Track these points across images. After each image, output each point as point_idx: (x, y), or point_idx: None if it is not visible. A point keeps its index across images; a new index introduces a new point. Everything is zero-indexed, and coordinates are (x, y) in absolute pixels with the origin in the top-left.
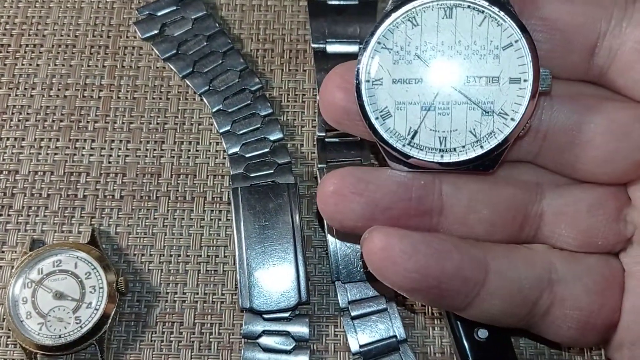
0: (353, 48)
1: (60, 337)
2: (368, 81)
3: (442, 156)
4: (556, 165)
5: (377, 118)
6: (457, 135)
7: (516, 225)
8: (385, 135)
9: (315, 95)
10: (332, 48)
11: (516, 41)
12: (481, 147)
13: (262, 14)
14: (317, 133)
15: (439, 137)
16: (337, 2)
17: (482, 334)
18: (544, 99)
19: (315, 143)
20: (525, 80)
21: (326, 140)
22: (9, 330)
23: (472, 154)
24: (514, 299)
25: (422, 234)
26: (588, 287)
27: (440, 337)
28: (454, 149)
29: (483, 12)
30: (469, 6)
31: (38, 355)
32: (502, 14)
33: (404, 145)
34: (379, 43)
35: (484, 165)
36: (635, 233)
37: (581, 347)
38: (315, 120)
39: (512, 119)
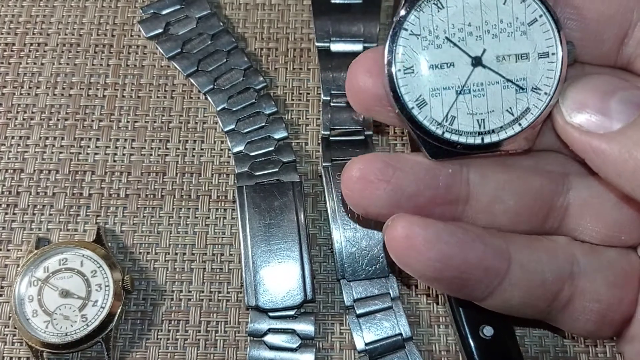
0: (357, 47)
1: (66, 335)
2: (400, 70)
3: (482, 139)
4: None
5: (412, 107)
6: (495, 116)
7: (541, 216)
8: (425, 123)
9: (320, 93)
10: (336, 47)
11: (540, 16)
12: (519, 124)
13: (266, 13)
14: (322, 131)
15: (477, 120)
16: (341, 1)
17: (488, 331)
18: None
19: (319, 141)
20: (553, 54)
21: (330, 138)
22: (15, 328)
23: (511, 133)
24: (536, 291)
25: (445, 223)
26: (609, 280)
27: (445, 335)
28: (493, 130)
29: None
30: None
31: (44, 353)
32: None
33: (443, 133)
34: (405, 29)
35: (521, 144)
36: None
37: (595, 339)
38: (319, 118)
39: (546, 93)
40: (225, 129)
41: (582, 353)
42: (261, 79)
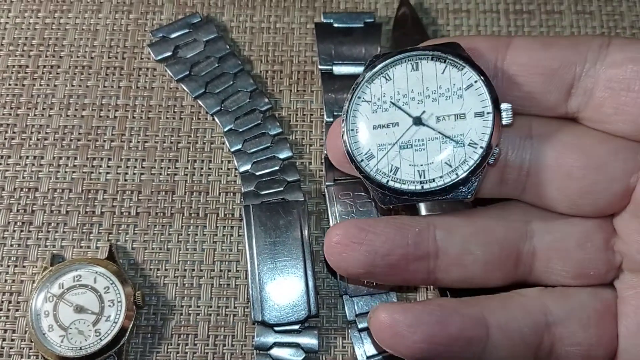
0: (359, 69)
1: (81, 349)
2: (351, 130)
3: (422, 186)
4: (541, 200)
5: (362, 160)
6: (435, 167)
7: (510, 263)
8: (372, 174)
9: (323, 115)
10: (338, 69)
11: (475, 81)
12: (456, 174)
13: (271, 36)
14: (325, 151)
15: (419, 171)
16: (343, 25)
17: None
18: (524, 138)
19: (323, 161)
20: (488, 113)
21: None
22: (31, 342)
23: (448, 180)
24: (518, 348)
25: (423, 303)
26: (583, 322)
27: None
28: (433, 179)
29: (445, 61)
30: (432, 57)
31: None
32: (461, 61)
33: (387, 182)
34: (359, 97)
35: (462, 193)
36: (624, 261)
37: None
38: (322, 139)
39: (481, 147)
40: (232, 149)
41: None
42: (266, 100)
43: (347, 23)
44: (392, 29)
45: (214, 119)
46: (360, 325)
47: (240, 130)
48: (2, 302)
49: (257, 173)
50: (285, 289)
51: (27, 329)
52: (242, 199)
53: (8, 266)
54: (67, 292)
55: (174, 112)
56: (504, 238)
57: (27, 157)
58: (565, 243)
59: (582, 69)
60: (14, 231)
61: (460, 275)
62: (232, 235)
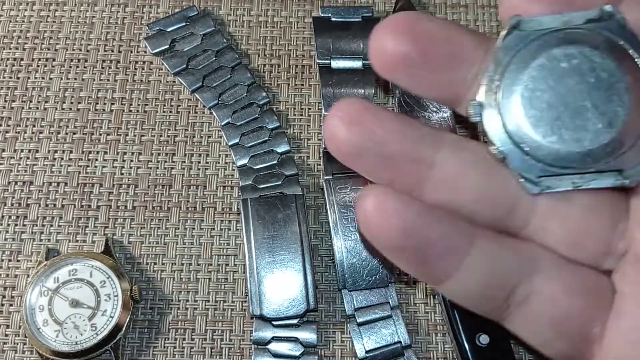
0: (357, 63)
1: (76, 343)
2: None
3: None
4: None
5: None
6: None
7: (505, 207)
8: None
9: (321, 109)
10: (336, 63)
11: None
12: None
13: (269, 30)
14: (323, 145)
15: None
16: (341, 19)
17: (484, 339)
18: None
19: (321, 155)
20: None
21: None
22: (26, 337)
23: None
24: (494, 279)
25: (416, 198)
26: (569, 287)
27: (442, 343)
28: None
29: None
30: None
31: None
32: None
33: None
34: None
35: None
36: (629, 250)
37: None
38: (320, 133)
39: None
40: (230, 143)
41: None
42: (264, 94)
43: (345, 17)
44: None
45: (211, 113)
46: (359, 320)
47: (238, 124)
48: None
49: (255, 167)
50: (283, 283)
51: (21, 323)
52: (239, 193)
53: (2, 260)
54: (63, 286)
55: (171, 105)
56: (508, 179)
57: (22, 150)
58: (568, 207)
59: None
60: (8, 225)
61: (448, 197)
62: (229, 229)
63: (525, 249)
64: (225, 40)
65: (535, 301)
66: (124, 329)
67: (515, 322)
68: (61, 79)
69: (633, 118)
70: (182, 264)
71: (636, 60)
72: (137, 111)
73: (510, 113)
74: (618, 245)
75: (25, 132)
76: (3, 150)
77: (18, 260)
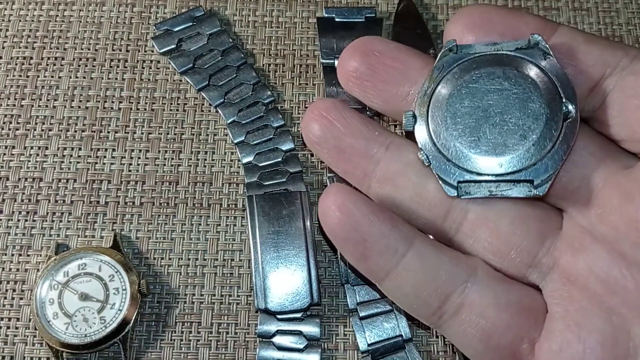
0: None
1: (85, 336)
2: None
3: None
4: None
5: None
6: None
7: (442, 208)
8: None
9: None
10: None
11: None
12: None
13: (274, 30)
14: None
15: None
16: (344, 20)
17: None
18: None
19: None
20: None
21: None
22: (36, 329)
23: None
24: (428, 284)
25: (368, 199)
26: (500, 302)
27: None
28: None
29: None
30: None
31: (64, 354)
32: None
33: None
34: None
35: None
36: (555, 268)
37: None
38: None
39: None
40: (235, 141)
41: None
42: (269, 93)
43: (348, 17)
44: (393, 23)
45: (217, 111)
46: (361, 314)
47: (243, 122)
48: (7, 290)
49: (260, 164)
50: (287, 278)
51: (31, 316)
52: (245, 190)
53: (12, 255)
54: (72, 280)
55: (178, 104)
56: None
57: (32, 147)
58: (497, 216)
59: (611, 71)
60: (19, 220)
61: (389, 193)
62: (235, 225)
63: (464, 260)
64: (231, 40)
65: (466, 312)
66: (132, 322)
67: (449, 331)
68: (70, 77)
69: (544, 134)
70: (189, 259)
71: (555, 82)
72: (145, 109)
73: (436, 123)
74: (543, 260)
75: (35, 130)
76: (13, 148)
77: (28, 255)
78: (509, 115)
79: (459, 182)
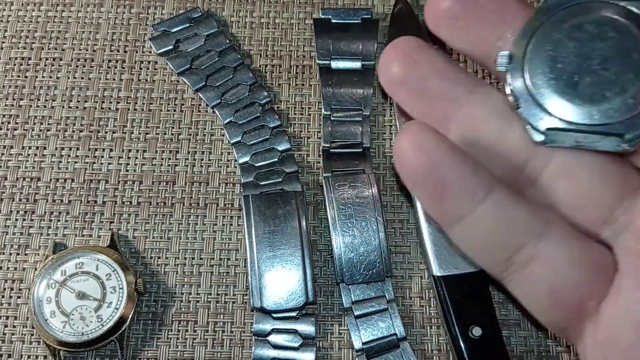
0: (356, 64)
1: (82, 334)
2: None
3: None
4: None
5: None
6: None
7: (522, 156)
8: None
9: (321, 108)
10: (336, 64)
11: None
12: None
13: (270, 31)
14: (322, 144)
15: None
16: (341, 21)
17: (476, 332)
18: None
19: (320, 153)
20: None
21: (330, 150)
22: (33, 328)
23: None
24: (502, 233)
25: (448, 139)
26: (573, 258)
27: (437, 336)
28: None
29: None
30: None
31: (61, 352)
32: None
33: None
34: None
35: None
36: (631, 226)
37: (550, 329)
38: (320, 131)
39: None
40: (232, 141)
41: (564, 352)
42: (265, 94)
43: (344, 19)
44: (389, 25)
45: (214, 112)
46: (356, 313)
47: (240, 122)
48: (5, 289)
49: (256, 164)
50: (283, 277)
51: (29, 315)
52: (241, 190)
53: (10, 254)
54: (70, 279)
55: (175, 104)
56: (525, 132)
57: (30, 147)
58: (579, 168)
59: None
60: (17, 220)
61: (469, 138)
62: (231, 224)
63: (540, 212)
64: (228, 41)
65: (537, 265)
66: (128, 320)
67: (515, 283)
68: (68, 78)
69: None
70: (185, 258)
71: None
72: (142, 110)
73: (533, 66)
74: (619, 218)
75: (33, 130)
76: (11, 147)
77: (26, 254)
78: (611, 66)
79: (547, 128)
